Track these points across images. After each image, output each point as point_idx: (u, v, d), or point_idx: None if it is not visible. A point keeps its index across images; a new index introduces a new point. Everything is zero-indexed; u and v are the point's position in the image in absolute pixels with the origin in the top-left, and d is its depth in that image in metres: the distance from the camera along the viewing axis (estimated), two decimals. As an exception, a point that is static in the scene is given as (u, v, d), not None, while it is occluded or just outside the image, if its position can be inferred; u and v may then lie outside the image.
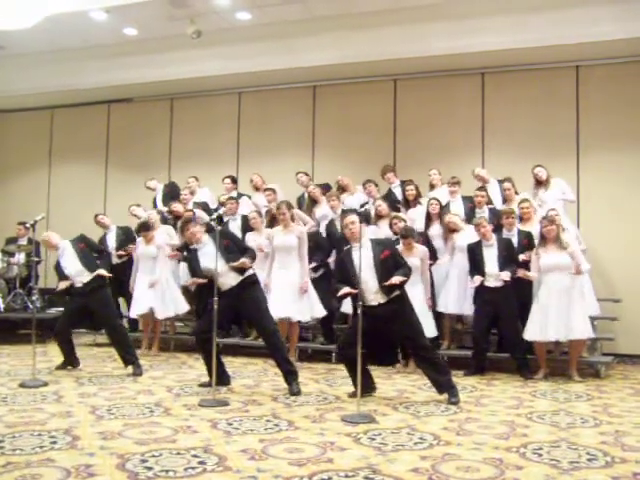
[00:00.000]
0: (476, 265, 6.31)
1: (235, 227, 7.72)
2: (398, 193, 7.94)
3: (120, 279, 7.75)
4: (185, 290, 7.91)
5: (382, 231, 7.01)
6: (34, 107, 10.96)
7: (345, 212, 7.28)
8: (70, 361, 6.38)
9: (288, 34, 8.60)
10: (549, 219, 6.21)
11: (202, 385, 5.56)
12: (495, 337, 6.76)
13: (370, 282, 4.93)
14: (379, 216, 7.26)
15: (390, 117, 9.20)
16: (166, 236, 7.88)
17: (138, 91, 10.17)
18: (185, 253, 6.49)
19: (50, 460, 3.39)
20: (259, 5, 8.12)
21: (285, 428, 4.17)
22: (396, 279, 4.88)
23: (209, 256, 5.21)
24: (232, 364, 6.61)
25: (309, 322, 7.20)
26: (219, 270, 5.13)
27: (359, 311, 4.59)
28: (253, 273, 5.52)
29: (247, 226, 7.59)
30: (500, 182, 7.50)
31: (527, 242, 6.55)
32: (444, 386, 5.04)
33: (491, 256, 6.28)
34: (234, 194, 8.48)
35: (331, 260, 7.20)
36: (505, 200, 7.39)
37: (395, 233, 6.72)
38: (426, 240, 6.89)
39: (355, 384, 4.76)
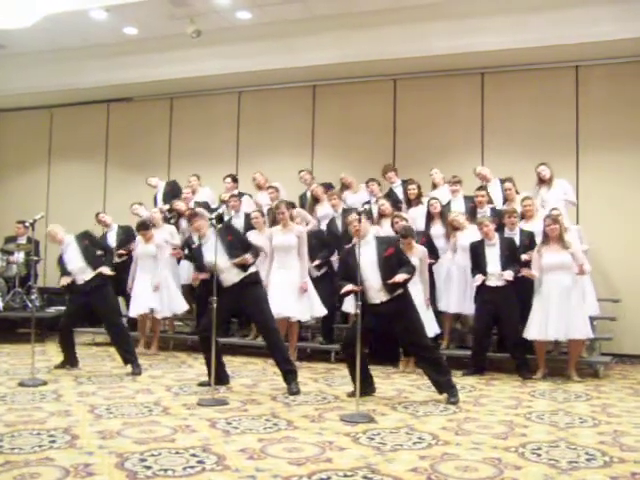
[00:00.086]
0: (478, 264, 6.31)
1: (238, 225, 7.69)
2: (399, 192, 7.94)
3: (120, 278, 7.74)
4: (186, 289, 7.92)
5: (384, 230, 7.00)
6: (34, 106, 10.97)
7: (346, 211, 7.30)
8: (69, 360, 6.38)
9: (288, 33, 8.61)
10: (552, 218, 6.20)
11: (201, 384, 5.55)
12: (494, 337, 6.76)
13: (373, 280, 4.93)
14: (382, 215, 7.25)
15: (390, 117, 9.20)
16: (168, 235, 7.88)
17: (138, 90, 10.17)
18: (186, 251, 6.47)
19: (49, 459, 3.39)
20: (259, 4, 8.12)
21: (284, 427, 4.16)
22: (400, 277, 4.87)
23: (213, 251, 5.21)
24: (231, 363, 6.60)
25: (309, 321, 7.20)
26: (222, 266, 5.12)
27: (358, 310, 4.59)
28: (256, 271, 5.51)
29: (249, 224, 7.59)
30: (501, 182, 7.50)
31: (529, 242, 6.54)
32: (444, 386, 5.04)
33: (493, 255, 6.27)
34: (235, 193, 8.47)
35: (334, 259, 7.21)
36: (506, 200, 7.39)
37: (396, 232, 6.72)
38: (428, 239, 6.89)
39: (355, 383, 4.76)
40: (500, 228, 6.69)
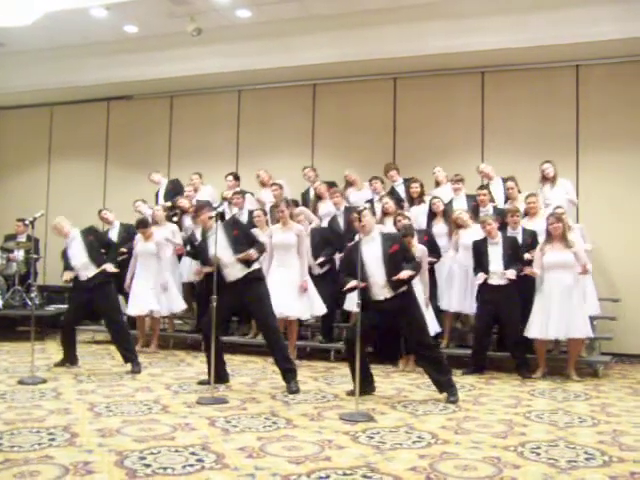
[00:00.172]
0: (480, 262, 6.30)
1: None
2: (401, 191, 7.95)
3: (121, 276, 7.73)
4: (186, 287, 7.92)
5: (387, 229, 6.99)
6: (34, 104, 10.96)
7: (349, 209, 7.30)
8: (69, 358, 6.37)
9: (287, 32, 8.61)
10: (556, 216, 6.19)
11: (201, 383, 5.55)
12: (494, 336, 6.76)
13: (378, 276, 4.93)
14: (385, 213, 7.24)
15: (390, 116, 9.20)
16: (169, 233, 7.87)
17: (138, 88, 10.17)
18: (188, 248, 6.46)
19: (48, 457, 3.39)
20: (258, 3, 8.12)
21: (283, 426, 4.17)
22: (404, 274, 4.87)
23: (217, 244, 5.18)
24: (231, 362, 6.59)
25: (308, 320, 7.20)
26: (226, 260, 5.11)
27: (358, 309, 4.59)
28: (259, 268, 5.51)
29: (253, 222, 7.58)
30: (503, 181, 7.50)
31: (531, 241, 6.54)
32: (444, 385, 5.05)
33: (496, 254, 6.26)
34: (238, 190, 8.47)
35: (337, 257, 7.20)
36: (507, 199, 7.39)
37: (398, 230, 6.71)
38: (430, 238, 6.88)
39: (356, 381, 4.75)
40: (503, 227, 6.69)
